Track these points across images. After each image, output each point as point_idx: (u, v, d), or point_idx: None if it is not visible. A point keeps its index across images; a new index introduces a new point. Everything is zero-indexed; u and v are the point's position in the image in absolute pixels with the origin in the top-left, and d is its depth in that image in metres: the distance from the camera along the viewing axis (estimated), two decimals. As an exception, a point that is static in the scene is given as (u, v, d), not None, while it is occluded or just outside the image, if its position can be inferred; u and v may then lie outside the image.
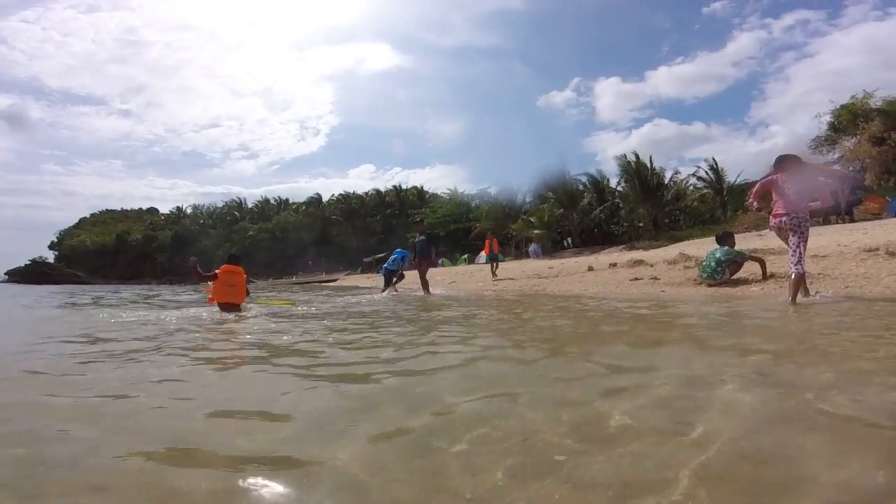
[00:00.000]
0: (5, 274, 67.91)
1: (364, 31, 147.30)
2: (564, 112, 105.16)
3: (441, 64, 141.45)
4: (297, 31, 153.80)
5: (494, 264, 14.47)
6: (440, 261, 38.18)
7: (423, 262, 10.06)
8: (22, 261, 68.12)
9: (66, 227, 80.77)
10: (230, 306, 6.40)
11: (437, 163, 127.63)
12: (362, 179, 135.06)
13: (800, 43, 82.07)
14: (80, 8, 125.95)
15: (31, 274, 59.01)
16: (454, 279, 16.99)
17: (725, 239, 6.68)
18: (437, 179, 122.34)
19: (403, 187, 59.72)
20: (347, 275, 31.29)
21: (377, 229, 53.71)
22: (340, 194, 61.55)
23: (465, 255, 35.73)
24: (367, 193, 60.23)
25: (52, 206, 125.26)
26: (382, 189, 60.27)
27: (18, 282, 57.17)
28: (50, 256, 72.10)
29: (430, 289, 10.05)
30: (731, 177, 29.58)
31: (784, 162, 4.80)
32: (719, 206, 29.07)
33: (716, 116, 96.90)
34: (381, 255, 9.34)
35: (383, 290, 10.54)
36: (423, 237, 10.19)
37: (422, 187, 60.19)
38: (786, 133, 79.61)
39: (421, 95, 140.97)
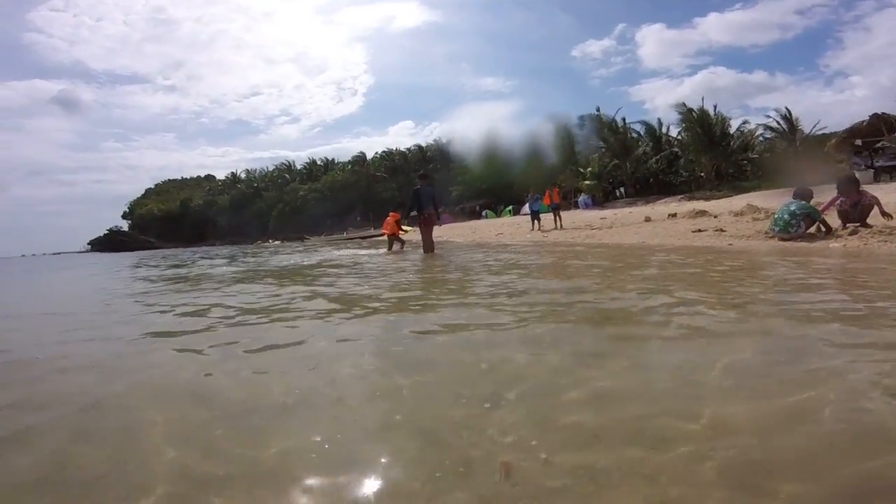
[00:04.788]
0: (88, 244, 75.06)
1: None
2: (605, 61, 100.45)
3: (474, 16, 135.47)
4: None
5: (557, 214, 14.61)
6: (484, 213, 38.27)
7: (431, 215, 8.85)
8: (101, 231, 74.82)
9: (135, 197, 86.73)
10: (387, 235, 11.11)
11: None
12: (402, 136, 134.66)
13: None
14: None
15: (110, 242, 64.73)
16: (500, 230, 17.25)
17: (805, 195, 6.42)
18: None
19: (444, 141, 59.05)
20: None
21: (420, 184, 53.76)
22: (384, 152, 61.80)
23: (510, 207, 35.62)
24: (408, 150, 60.17)
25: (117, 180, 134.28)
26: (423, 144, 60.05)
27: (100, 250, 62.89)
28: (124, 225, 78.24)
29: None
30: (805, 127, 27.23)
31: (844, 186, 6.25)
32: (791, 157, 27.18)
33: (781, 65, 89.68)
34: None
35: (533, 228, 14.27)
36: (428, 186, 9.30)
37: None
38: (867, 84, 72.70)
39: (455, 50, 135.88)
